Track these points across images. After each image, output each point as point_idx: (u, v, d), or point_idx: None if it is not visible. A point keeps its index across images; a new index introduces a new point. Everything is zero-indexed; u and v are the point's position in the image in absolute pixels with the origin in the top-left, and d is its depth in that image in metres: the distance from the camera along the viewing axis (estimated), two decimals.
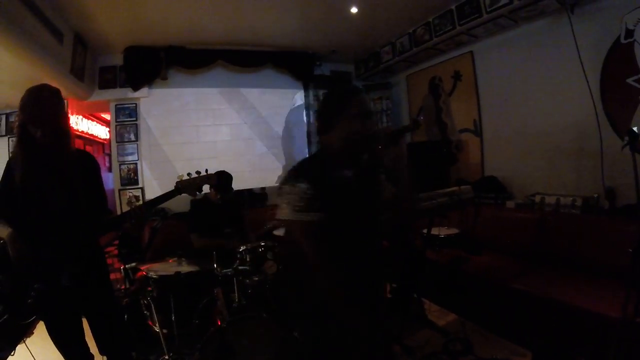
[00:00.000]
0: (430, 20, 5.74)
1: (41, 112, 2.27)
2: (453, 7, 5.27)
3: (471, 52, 5.86)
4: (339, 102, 1.81)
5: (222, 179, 4.28)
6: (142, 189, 6.50)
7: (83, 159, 2.61)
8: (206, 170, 2.69)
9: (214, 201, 4.40)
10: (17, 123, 2.38)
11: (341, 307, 1.69)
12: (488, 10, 4.72)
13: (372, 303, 1.81)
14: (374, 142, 1.82)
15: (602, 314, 2.87)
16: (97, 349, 2.67)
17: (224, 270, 3.28)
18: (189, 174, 2.66)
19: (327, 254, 1.67)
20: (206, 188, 2.77)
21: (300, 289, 1.86)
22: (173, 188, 2.61)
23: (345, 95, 1.83)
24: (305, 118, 7.72)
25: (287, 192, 1.68)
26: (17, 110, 2.35)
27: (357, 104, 1.77)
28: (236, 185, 4.61)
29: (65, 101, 2.52)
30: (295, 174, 1.73)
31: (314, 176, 1.69)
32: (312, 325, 1.81)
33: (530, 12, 4.56)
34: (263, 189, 7.07)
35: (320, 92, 7.66)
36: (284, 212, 1.68)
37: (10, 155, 2.46)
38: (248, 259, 3.50)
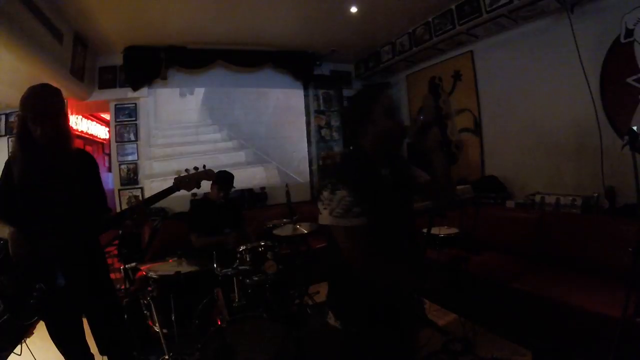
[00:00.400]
0: (430, 19, 5.74)
1: (41, 110, 2.27)
2: (453, 6, 5.27)
3: (471, 51, 5.86)
4: (368, 102, 1.84)
5: (224, 178, 4.28)
6: (141, 188, 6.49)
7: (82, 158, 2.61)
8: (204, 166, 2.69)
9: (214, 201, 4.39)
10: (17, 121, 2.38)
11: (391, 292, 1.79)
12: (488, 9, 4.72)
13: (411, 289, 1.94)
14: (405, 136, 1.88)
15: (602, 313, 2.87)
16: (97, 349, 2.67)
17: (224, 270, 3.28)
18: (187, 170, 2.65)
19: (368, 254, 1.71)
20: (207, 188, 2.77)
21: (344, 280, 1.89)
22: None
23: (373, 94, 1.87)
24: (305, 117, 7.71)
25: (326, 199, 1.73)
26: (17, 110, 2.35)
27: (385, 102, 1.82)
28: (236, 185, 4.61)
29: (65, 101, 2.51)
30: (334, 179, 1.75)
31: (353, 181, 1.72)
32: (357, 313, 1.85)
33: (530, 11, 4.56)
34: (263, 188, 7.06)
35: (320, 92, 7.68)
36: (324, 217, 1.75)
37: (10, 154, 2.46)
38: (248, 259, 3.50)
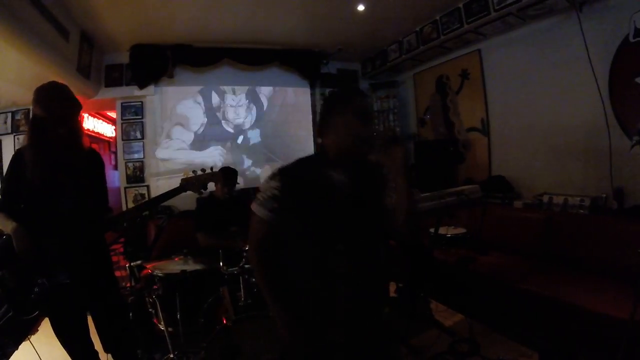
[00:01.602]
0: (438, 18, 5.71)
1: (64, 112, 2.31)
2: (461, 5, 5.25)
3: (479, 50, 5.83)
4: (336, 103, 1.78)
5: (228, 174, 4.29)
6: (147, 186, 6.51)
7: (92, 157, 2.63)
8: (211, 168, 2.70)
9: (220, 198, 4.39)
10: (32, 120, 2.39)
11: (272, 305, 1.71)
12: (496, 8, 4.69)
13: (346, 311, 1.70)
14: (372, 146, 1.70)
15: (610, 315, 2.84)
16: (101, 347, 2.67)
17: (230, 269, 3.27)
18: (194, 172, 2.66)
19: (266, 255, 1.71)
20: (211, 186, 2.77)
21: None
22: (178, 185, 2.62)
23: (343, 96, 1.80)
24: (311, 116, 7.69)
25: (263, 185, 1.75)
26: (23, 108, 2.36)
27: (356, 105, 1.73)
28: (242, 183, 4.61)
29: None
30: (277, 170, 1.75)
31: (290, 176, 1.71)
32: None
33: (538, 10, 4.53)
34: None
35: (327, 91, 7.65)
36: (254, 203, 1.74)
37: (22, 150, 2.45)
38: None
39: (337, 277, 1.66)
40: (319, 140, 1.85)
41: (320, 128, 1.83)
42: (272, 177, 1.72)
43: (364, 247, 1.73)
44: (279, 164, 7.17)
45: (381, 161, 1.76)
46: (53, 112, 2.28)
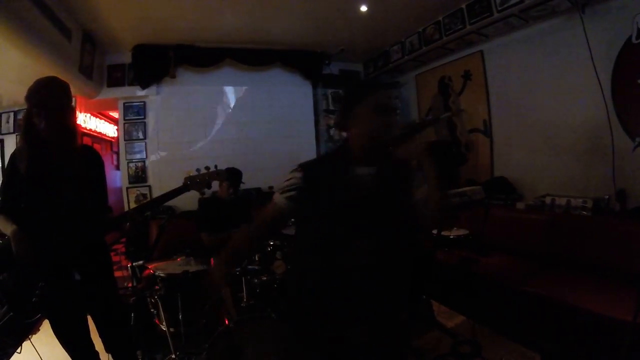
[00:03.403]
0: (440, 19, 5.71)
1: (46, 103, 2.24)
2: (463, 6, 5.24)
3: (481, 51, 5.82)
4: (359, 95, 1.75)
5: (233, 174, 4.28)
6: (149, 186, 6.51)
7: (88, 155, 2.60)
8: (215, 167, 2.66)
9: (223, 198, 4.39)
10: (23, 116, 2.37)
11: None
12: (499, 9, 4.68)
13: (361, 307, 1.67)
14: (397, 138, 1.71)
15: (613, 317, 2.84)
16: (102, 347, 2.66)
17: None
18: (197, 170, 2.63)
19: (261, 235, 1.80)
20: (215, 186, 2.75)
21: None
22: (181, 185, 2.60)
23: (364, 88, 1.79)
24: (313, 117, 7.69)
25: (286, 176, 1.76)
26: (25, 107, 2.34)
27: (377, 98, 1.70)
28: (244, 184, 4.61)
29: (74, 98, 2.51)
30: (300, 164, 1.77)
31: (312, 169, 1.73)
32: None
33: (541, 11, 4.52)
34: (271, 187, 7.05)
35: (329, 92, 7.66)
36: (275, 192, 1.77)
37: (15, 149, 2.44)
38: (256, 259, 3.49)
39: (357, 273, 1.64)
40: (342, 134, 1.85)
41: (342, 121, 1.81)
42: (295, 169, 1.74)
43: (388, 243, 1.70)
44: (281, 163, 7.24)
45: (408, 153, 1.72)
46: (39, 103, 2.25)
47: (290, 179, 1.71)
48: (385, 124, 1.68)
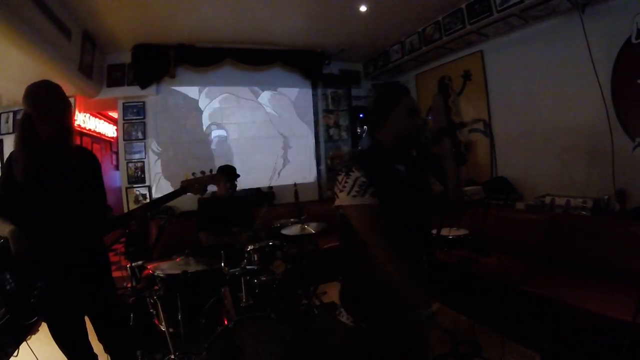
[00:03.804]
0: (440, 19, 5.71)
1: (50, 107, 2.27)
2: (463, 5, 5.24)
3: (481, 51, 5.82)
4: (390, 100, 1.88)
5: (226, 171, 4.29)
6: (149, 187, 6.49)
7: (83, 156, 2.61)
8: (210, 170, 2.71)
9: (222, 197, 4.40)
10: (20, 118, 2.37)
11: (402, 281, 1.71)
12: (499, 9, 4.67)
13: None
14: (423, 139, 1.92)
15: (612, 317, 2.84)
16: (101, 349, 2.66)
17: (232, 270, 3.27)
18: (193, 174, 2.66)
19: (385, 235, 1.69)
20: (214, 186, 2.78)
21: (358, 275, 1.88)
22: (179, 187, 2.62)
23: (396, 93, 1.90)
24: (313, 117, 7.69)
25: (342, 181, 1.74)
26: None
27: (407, 102, 1.86)
28: (244, 184, 4.62)
29: (73, 97, 2.52)
30: (349, 165, 1.77)
31: (368, 167, 1.74)
32: (369, 308, 1.83)
33: (541, 11, 4.52)
34: (270, 188, 7.06)
35: (329, 91, 7.67)
36: (342, 198, 1.73)
37: (12, 151, 2.44)
38: (256, 258, 3.49)
39: (414, 263, 1.82)
40: (374, 136, 1.93)
41: (375, 125, 1.92)
42: (349, 169, 1.73)
43: (425, 233, 1.96)
44: (281, 164, 7.25)
45: (440, 151, 1.93)
46: (39, 110, 2.26)
47: (355, 179, 1.71)
48: (416, 126, 1.86)
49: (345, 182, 1.72)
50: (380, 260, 1.68)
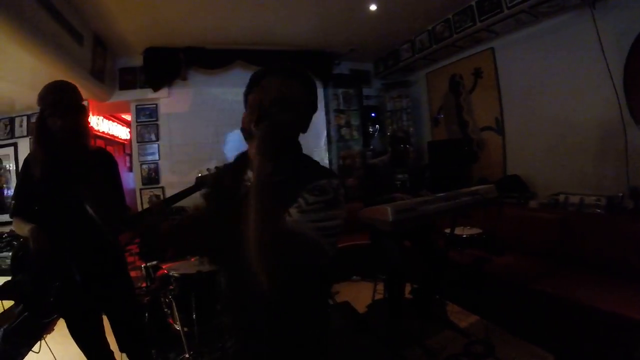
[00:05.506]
0: (450, 16, 5.69)
1: (62, 103, 2.30)
2: (473, 3, 5.22)
3: (492, 48, 5.79)
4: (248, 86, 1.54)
5: None
6: (162, 188, 6.56)
7: (101, 157, 2.64)
8: None
9: None
10: (36, 118, 2.40)
11: None
12: (509, 5, 4.65)
13: None
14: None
15: (627, 316, 2.80)
16: (116, 346, 2.68)
17: None
18: (208, 169, 2.66)
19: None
20: None
21: None
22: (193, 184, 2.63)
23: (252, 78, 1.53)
24: (325, 117, 7.68)
25: (330, 207, 1.31)
26: (38, 111, 2.36)
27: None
28: None
29: (87, 101, 2.55)
30: (338, 180, 1.41)
31: None
32: None
33: (551, 7, 4.49)
34: None
35: (340, 91, 7.66)
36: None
37: (29, 153, 2.47)
38: None
39: None
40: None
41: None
42: (337, 195, 1.34)
43: None
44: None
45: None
46: (54, 102, 2.28)
47: (337, 215, 1.32)
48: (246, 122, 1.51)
49: (328, 210, 1.30)
50: None
